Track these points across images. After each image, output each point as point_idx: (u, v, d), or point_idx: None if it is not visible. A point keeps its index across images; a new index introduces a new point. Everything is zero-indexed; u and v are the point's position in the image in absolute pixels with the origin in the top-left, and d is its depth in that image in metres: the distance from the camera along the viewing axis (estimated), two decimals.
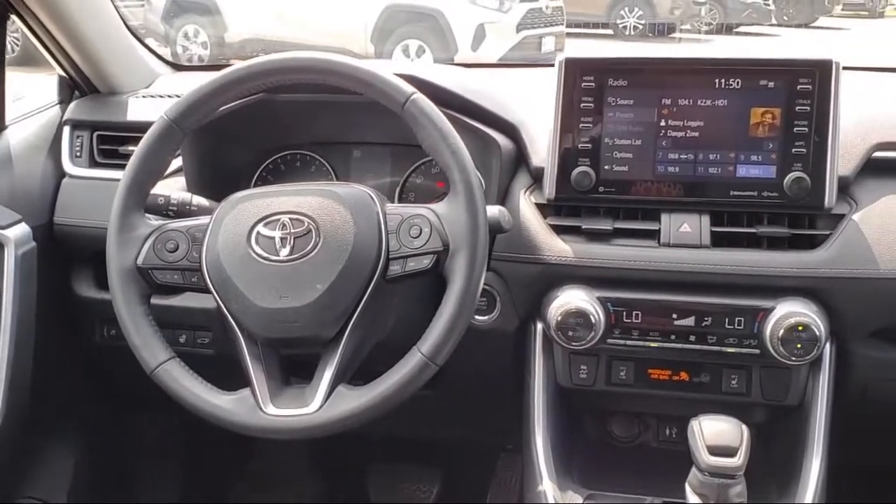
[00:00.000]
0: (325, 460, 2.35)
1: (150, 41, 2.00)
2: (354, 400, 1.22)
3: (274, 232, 1.26)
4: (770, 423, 1.55)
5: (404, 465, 2.37)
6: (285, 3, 7.68)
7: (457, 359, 1.25)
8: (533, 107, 1.58)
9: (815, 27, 11.25)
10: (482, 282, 1.25)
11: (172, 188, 1.51)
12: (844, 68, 1.42)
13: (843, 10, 12.42)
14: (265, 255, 1.25)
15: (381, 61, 2.18)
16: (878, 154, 1.48)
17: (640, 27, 9.04)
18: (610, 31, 9.23)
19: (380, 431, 1.96)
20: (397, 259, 1.25)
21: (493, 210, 1.31)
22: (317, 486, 2.34)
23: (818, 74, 1.40)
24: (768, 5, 10.50)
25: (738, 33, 9.71)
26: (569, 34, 7.83)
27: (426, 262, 1.24)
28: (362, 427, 1.23)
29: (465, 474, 2.35)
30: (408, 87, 1.27)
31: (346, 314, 1.24)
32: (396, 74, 1.29)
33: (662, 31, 8.81)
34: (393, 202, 1.57)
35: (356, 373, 1.31)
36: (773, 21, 10.57)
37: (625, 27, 9.15)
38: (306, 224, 1.25)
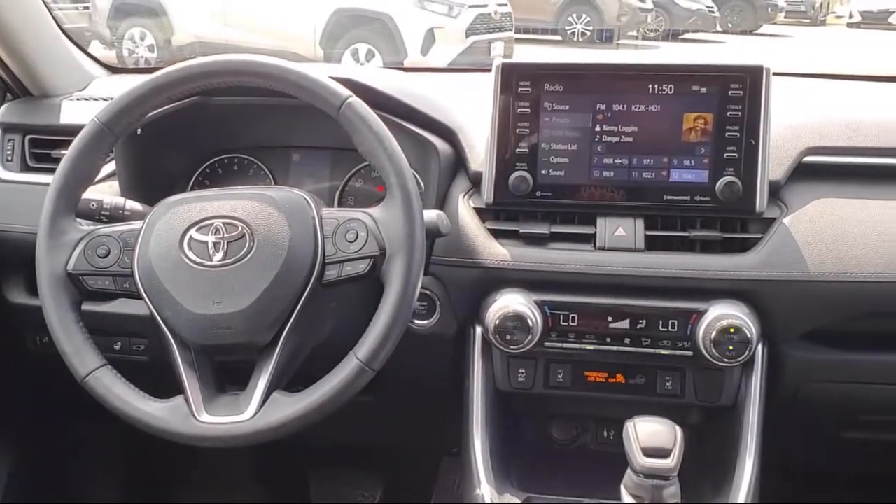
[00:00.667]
0: (267, 466, 2.33)
1: (95, 44, 1.97)
2: (290, 407, 1.21)
3: (207, 237, 1.24)
4: (704, 424, 1.57)
5: (346, 470, 2.36)
6: (233, 5, 7.60)
7: (396, 363, 1.25)
8: (473, 111, 1.58)
9: (759, 34, 11.48)
10: (419, 286, 1.24)
11: (106, 192, 1.48)
12: (775, 74, 1.44)
13: (785, 17, 12.71)
14: (198, 260, 1.23)
15: (319, 64, 2.17)
16: (808, 159, 1.51)
17: (588, 33, 9.12)
18: (559, 37, 9.32)
19: (321, 437, 1.94)
20: (333, 264, 1.25)
21: (431, 214, 1.31)
22: (259, 492, 2.32)
23: (749, 80, 1.42)
24: (713, 13, 10.69)
25: (683, 40, 9.86)
26: (518, 40, 7.87)
27: (363, 266, 1.24)
28: (301, 433, 1.21)
29: (408, 478, 2.35)
30: (343, 91, 1.26)
31: (280, 320, 1.23)
32: (332, 78, 1.28)
33: (609, 37, 8.90)
34: (332, 206, 1.56)
35: (294, 377, 1.29)
36: (718, 28, 10.76)
37: (573, 33, 9.24)
38: (240, 228, 1.24)
